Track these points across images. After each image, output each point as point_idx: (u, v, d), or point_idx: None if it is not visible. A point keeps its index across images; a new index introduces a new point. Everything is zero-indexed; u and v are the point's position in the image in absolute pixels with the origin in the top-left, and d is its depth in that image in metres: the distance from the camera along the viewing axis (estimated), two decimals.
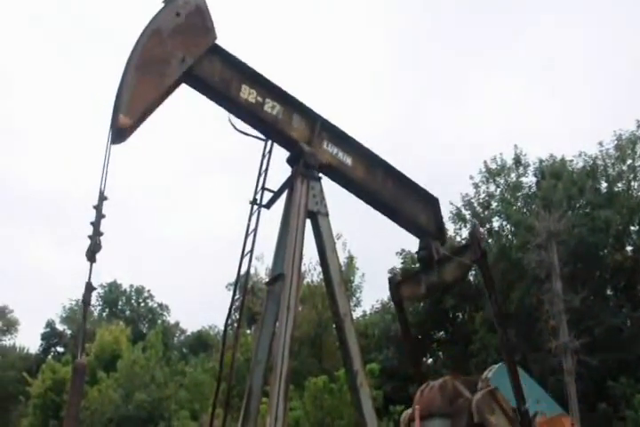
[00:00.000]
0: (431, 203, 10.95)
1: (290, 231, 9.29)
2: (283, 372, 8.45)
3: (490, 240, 34.28)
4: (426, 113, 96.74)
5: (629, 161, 32.94)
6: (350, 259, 36.96)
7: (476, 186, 35.60)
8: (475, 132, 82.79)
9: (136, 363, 36.56)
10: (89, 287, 7.74)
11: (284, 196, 9.91)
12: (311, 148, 9.66)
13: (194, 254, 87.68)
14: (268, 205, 9.96)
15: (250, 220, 9.57)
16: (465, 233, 35.88)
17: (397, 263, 37.98)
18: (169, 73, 8.71)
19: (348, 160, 10.13)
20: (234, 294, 10.00)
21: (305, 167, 9.55)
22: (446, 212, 34.78)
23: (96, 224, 7.95)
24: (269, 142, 9.84)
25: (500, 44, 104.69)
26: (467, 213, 35.66)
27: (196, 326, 71.15)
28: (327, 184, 10.00)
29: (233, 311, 10.00)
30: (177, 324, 64.45)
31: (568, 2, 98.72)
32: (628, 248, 32.46)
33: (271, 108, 9.51)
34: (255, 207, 9.66)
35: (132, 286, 65.34)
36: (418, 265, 11.17)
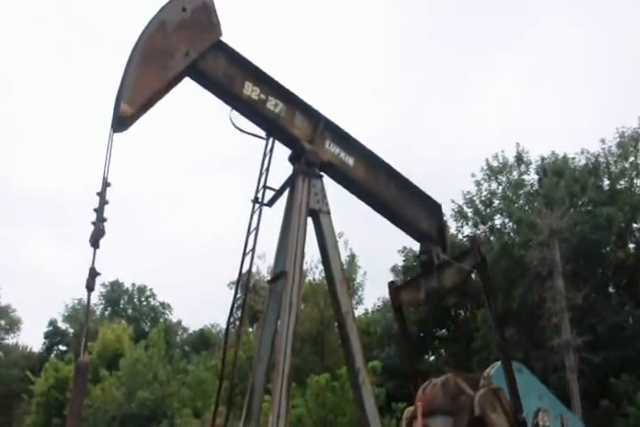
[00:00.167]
0: (433, 208, 10.91)
1: (291, 229, 9.30)
2: (285, 369, 8.46)
3: (492, 238, 34.27)
4: (426, 113, 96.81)
5: (632, 158, 32.88)
6: (352, 257, 36.95)
7: (478, 184, 35.56)
8: (475, 131, 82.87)
9: (138, 361, 36.64)
10: (92, 273, 7.79)
11: (285, 194, 9.92)
12: (313, 146, 9.66)
13: (195, 253, 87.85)
14: (270, 204, 9.96)
15: (251, 218, 9.57)
16: (467, 231, 35.93)
17: (399, 261, 38.04)
18: (172, 66, 8.78)
19: (350, 161, 10.11)
20: (236, 293, 10.01)
21: (306, 165, 9.55)
22: (448, 210, 34.79)
23: (99, 210, 8.03)
24: (271, 141, 9.85)
25: (500, 44, 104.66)
26: (468, 211, 35.63)
27: (198, 324, 71.40)
28: (328, 183, 10.02)
29: (235, 310, 10.02)
30: (179, 322, 64.57)
31: (568, 2, 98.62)
32: (631, 246, 32.44)
33: (274, 105, 9.53)
34: (257, 206, 9.66)
35: (133, 284, 65.50)
36: (421, 257, 11.14)
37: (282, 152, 9.94)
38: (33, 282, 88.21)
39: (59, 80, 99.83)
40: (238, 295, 10.02)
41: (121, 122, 8.53)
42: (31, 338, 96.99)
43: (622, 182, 32.94)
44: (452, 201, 35.42)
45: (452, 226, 35.58)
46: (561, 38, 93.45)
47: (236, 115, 9.61)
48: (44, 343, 61.53)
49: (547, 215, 28.38)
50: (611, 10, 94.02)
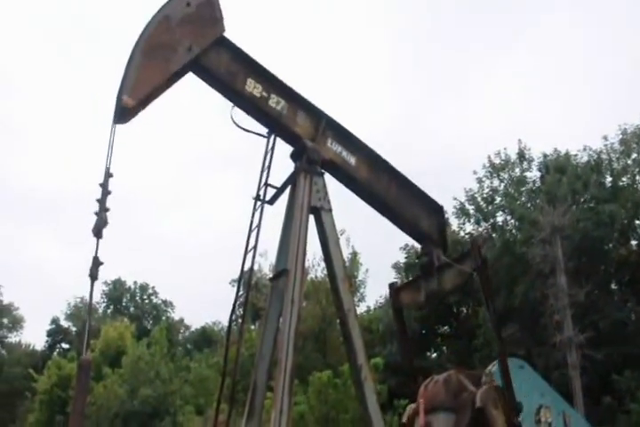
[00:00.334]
0: (435, 211, 10.89)
1: (293, 227, 9.29)
2: (287, 366, 8.46)
3: (494, 235, 34.25)
4: (426, 112, 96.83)
5: (634, 155, 32.82)
6: (354, 254, 36.93)
7: (480, 181, 35.49)
8: (476, 130, 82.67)
9: (141, 359, 36.69)
10: (96, 262, 7.87)
11: (287, 192, 9.91)
12: (314, 144, 9.65)
13: (197, 251, 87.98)
14: (272, 201, 9.95)
15: (253, 216, 9.57)
16: (469, 228, 35.91)
17: (401, 258, 38.04)
18: (174, 60, 8.80)
19: (352, 159, 10.08)
20: (238, 290, 10.01)
21: (308, 163, 9.54)
22: (450, 207, 34.76)
23: (102, 200, 8.10)
24: (272, 138, 9.84)
25: (500, 44, 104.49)
26: (470, 208, 35.59)
27: (200, 322, 71.41)
28: (330, 180, 10.01)
29: (237, 307, 10.01)
30: (181, 320, 64.64)
31: (568, 2, 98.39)
32: (633, 242, 32.40)
33: (276, 103, 9.51)
34: (258, 203, 9.65)
35: (135, 282, 65.57)
36: (421, 259, 11.15)
37: (283, 150, 9.95)
38: (35, 281, 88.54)
39: (59, 80, 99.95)
40: (240, 293, 10.02)
41: (122, 113, 8.55)
42: (34, 336, 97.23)
43: (625, 179, 32.88)
44: (454, 198, 35.42)
45: (454, 223, 35.61)
46: (561, 38, 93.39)
47: (237, 113, 9.61)
48: (47, 341, 61.76)
49: (549, 212, 28.35)
50: (611, 10, 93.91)
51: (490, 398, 8.44)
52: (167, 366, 37.45)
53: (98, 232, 7.99)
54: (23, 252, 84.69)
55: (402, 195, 10.51)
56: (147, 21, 8.75)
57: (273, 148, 9.80)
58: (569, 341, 26.20)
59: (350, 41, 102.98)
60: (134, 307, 64.54)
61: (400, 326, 11.36)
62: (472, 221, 35.50)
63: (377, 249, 53.44)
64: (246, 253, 9.44)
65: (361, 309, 39.08)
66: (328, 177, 9.91)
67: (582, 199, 32.61)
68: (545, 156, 35.12)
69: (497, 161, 35.48)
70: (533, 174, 35.34)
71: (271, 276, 10.34)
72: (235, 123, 9.55)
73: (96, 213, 8.06)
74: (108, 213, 8.13)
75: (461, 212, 35.56)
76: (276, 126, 9.72)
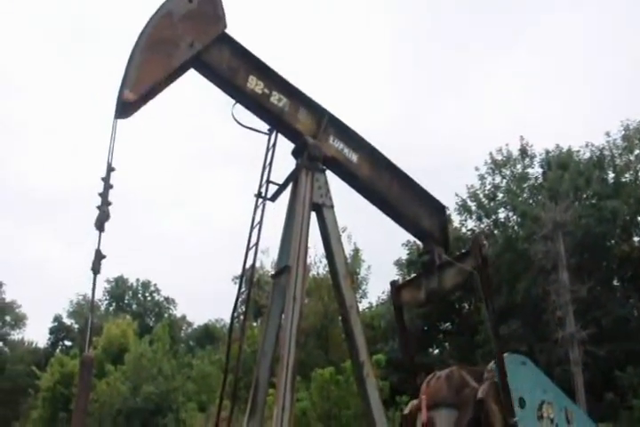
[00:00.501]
0: (437, 210, 10.86)
1: (295, 224, 9.28)
2: (289, 363, 8.47)
3: (496, 231, 34.25)
4: (427, 112, 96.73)
5: (637, 151, 32.80)
6: (356, 251, 37.00)
7: (482, 177, 35.49)
8: (477, 129, 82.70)
9: (143, 356, 36.78)
10: (98, 255, 7.86)
11: (289, 188, 9.90)
12: (316, 141, 9.64)
13: (199, 248, 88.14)
14: (273, 198, 9.94)
15: (255, 213, 9.56)
16: (470, 224, 35.89)
17: (403, 255, 38.06)
18: (176, 55, 8.80)
19: (354, 157, 10.06)
20: (240, 287, 10.02)
21: (309, 159, 9.52)
22: (452, 203, 34.76)
23: (104, 194, 8.11)
24: (274, 135, 9.83)
25: (500, 44, 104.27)
26: (472, 205, 35.58)
27: (202, 319, 71.40)
28: (332, 177, 10.00)
29: (239, 304, 10.03)
30: (183, 317, 64.75)
31: (568, 2, 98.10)
32: (635, 238, 32.40)
33: (277, 100, 9.49)
34: (260, 200, 9.65)
35: (138, 280, 65.67)
36: (423, 257, 11.15)
37: (285, 147, 9.94)
38: (37, 278, 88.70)
39: (59, 80, 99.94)
40: (242, 290, 10.03)
41: (124, 108, 8.56)
42: (36, 334, 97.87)
43: (627, 175, 32.86)
44: (456, 195, 35.42)
45: (456, 220, 35.63)
46: (561, 38, 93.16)
47: (238, 110, 9.60)
48: (50, 339, 61.91)
49: (551, 208, 28.33)
50: (611, 10, 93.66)
51: (491, 393, 8.45)
52: (169, 363, 37.53)
53: (100, 225, 8.01)
54: (24, 250, 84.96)
55: (403, 193, 10.48)
56: (149, 17, 8.78)
57: (274, 145, 9.79)
58: (571, 337, 26.21)
59: (350, 41, 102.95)
60: (136, 304, 64.64)
61: (400, 324, 11.36)
62: (474, 217, 35.52)
63: (379, 246, 53.58)
64: (248, 250, 9.45)
65: (363, 305, 39.22)
66: (330, 174, 9.90)
67: (584, 195, 32.60)
68: (547, 152, 35.10)
69: (499, 157, 35.48)
70: (535, 171, 35.39)
71: (273, 273, 10.34)
72: (236, 120, 9.54)
73: (98, 207, 8.08)
74: (109, 208, 8.16)
75: (463, 208, 35.55)
76: (278, 123, 9.71)
